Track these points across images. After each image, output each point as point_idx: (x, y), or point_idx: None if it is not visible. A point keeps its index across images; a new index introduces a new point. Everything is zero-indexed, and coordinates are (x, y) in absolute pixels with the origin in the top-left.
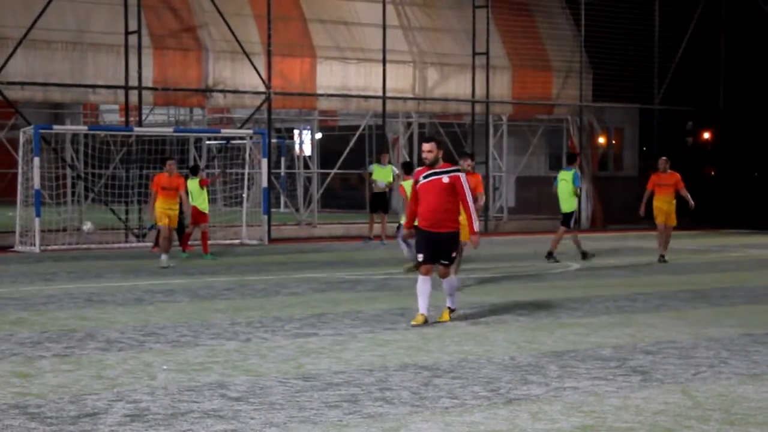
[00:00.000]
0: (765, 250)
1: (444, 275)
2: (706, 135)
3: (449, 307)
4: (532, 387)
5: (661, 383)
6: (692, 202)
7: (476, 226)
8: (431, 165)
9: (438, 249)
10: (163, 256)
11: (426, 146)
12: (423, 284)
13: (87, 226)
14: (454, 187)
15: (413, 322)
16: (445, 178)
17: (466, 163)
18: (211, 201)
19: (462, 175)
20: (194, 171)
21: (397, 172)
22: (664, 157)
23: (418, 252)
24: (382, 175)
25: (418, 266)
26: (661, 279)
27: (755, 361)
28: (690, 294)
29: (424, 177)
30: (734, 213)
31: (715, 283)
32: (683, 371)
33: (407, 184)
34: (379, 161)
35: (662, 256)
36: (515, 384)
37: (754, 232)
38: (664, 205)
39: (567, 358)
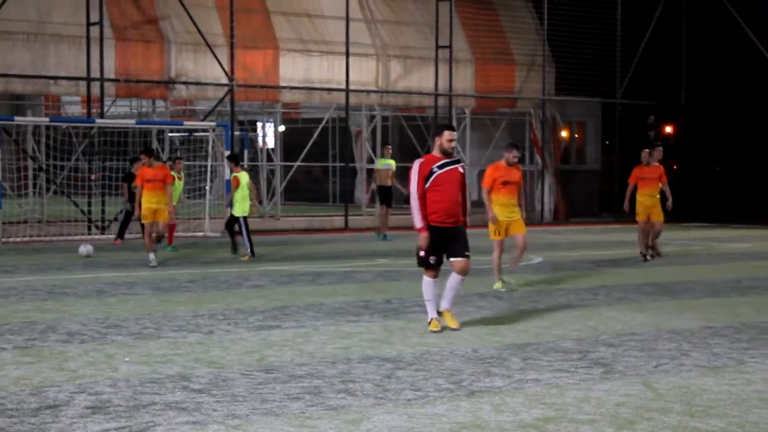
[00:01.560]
0: (726, 243)
1: (465, 270)
2: (668, 129)
3: (448, 310)
4: (494, 379)
5: (623, 375)
6: (670, 199)
7: (469, 220)
8: (450, 154)
9: (458, 243)
10: (151, 255)
11: (451, 134)
12: (434, 287)
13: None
14: (463, 178)
15: (432, 329)
16: (460, 168)
17: (511, 155)
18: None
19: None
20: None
21: (393, 168)
22: (646, 150)
23: (432, 254)
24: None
25: (424, 267)
26: (623, 272)
27: (716, 353)
28: (652, 287)
29: (440, 167)
30: (696, 207)
31: (676, 276)
32: (645, 363)
33: (242, 176)
34: (382, 155)
35: (644, 253)
36: (478, 376)
37: (715, 226)
38: (646, 200)
39: (529, 351)
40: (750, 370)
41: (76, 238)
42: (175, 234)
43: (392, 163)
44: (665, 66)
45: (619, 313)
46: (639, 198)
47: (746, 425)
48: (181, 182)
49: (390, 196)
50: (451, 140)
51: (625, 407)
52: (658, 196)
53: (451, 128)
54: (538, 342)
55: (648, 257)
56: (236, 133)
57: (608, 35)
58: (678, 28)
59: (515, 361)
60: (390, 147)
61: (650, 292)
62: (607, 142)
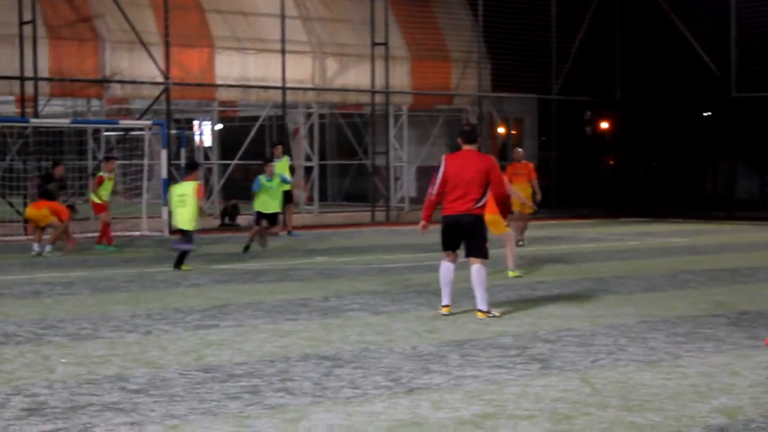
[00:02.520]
0: (662, 238)
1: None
2: (604, 125)
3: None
4: (433, 376)
5: (561, 371)
6: (539, 194)
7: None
8: None
9: None
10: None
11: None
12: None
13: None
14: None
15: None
16: None
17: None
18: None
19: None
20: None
21: (291, 162)
22: (519, 149)
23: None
24: (279, 168)
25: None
26: (560, 267)
27: (653, 347)
28: (589, 282)
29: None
30: (632, 202)
31: (613, 271)
32: (582, 359)
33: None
34: (273, 156)
35: (519, 241)
36: (416, 373)
37: (651, 221)
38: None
39: (468, 347)
40: (686, 364)
41: (12, 238)
42: (112, 233)
43: (284, 165)
44: (600, 62)
45: (557, 308)
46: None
47: (682, 419)
48: (111, 182)
49: (290, 194)
50: None
51: (563, 402)
52: (529, 189)
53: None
54: (476, 338)
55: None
56: (173, 131)
57: (543, 32)
58: (612, 24)
59: (454, 358)
60: (281, 147)
61: (587, 287)
62: (543, 138)
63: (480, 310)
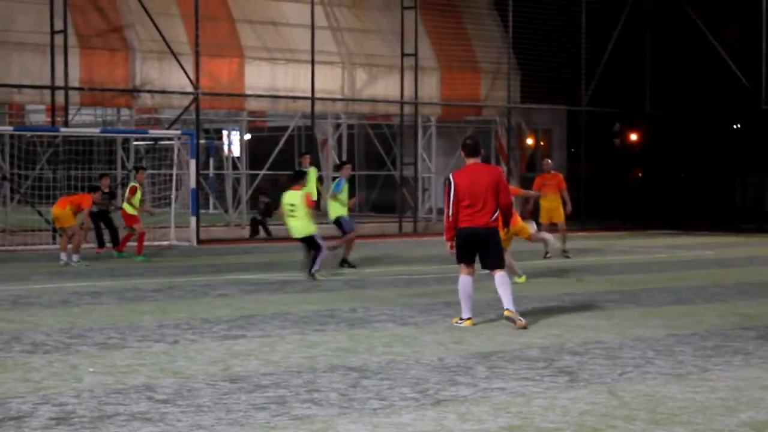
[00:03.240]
0: (690, 251)
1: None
2: (633, 136)
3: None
4: (460, 388)
5: (588, 383)
6: (569, 206)
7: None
8: None
9: None
10: (63, 255)
11: None
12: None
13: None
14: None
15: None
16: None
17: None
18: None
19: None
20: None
21: (320, 173)
22: (548, 159)
23: None
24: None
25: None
26: (587, 279)
27: (680, 361)
28: (616, 294)
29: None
30: (661, 214)
31: (641, 283)
32: (610, 371)
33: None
34: (301, 165)
35: (547, 254)
36: (443, 385)
37: (680, 233)
38: (548, 204)
39: (495, 359)
40: (714, 378)
41: (41, 247)
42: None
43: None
44: (630, 74)
45: (585, 321)
46: (541, 203)
47: None
48: (140, 192)
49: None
50: None
51: (590, 415)
52: (558, 199)
53: None
54: (503, 350)
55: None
56: (202, 141)
57: (573, 43)
58: (642, 35)
59: (481, 370)
60: (309, 157)
61: (615, 299)
62: (572, 150)
63: (509, 309)
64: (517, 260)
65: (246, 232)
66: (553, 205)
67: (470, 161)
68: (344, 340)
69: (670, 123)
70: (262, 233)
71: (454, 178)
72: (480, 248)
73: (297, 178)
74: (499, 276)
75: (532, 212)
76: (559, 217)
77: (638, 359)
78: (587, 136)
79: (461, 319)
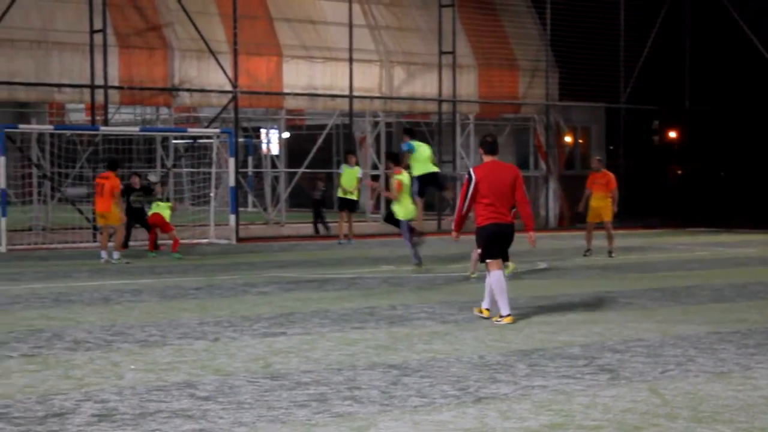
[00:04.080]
0: (731, 248)
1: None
2: (672, 134)
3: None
4: (500, 386)
5: (629, 381)
6: (616, 207)
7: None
8: None
9: None
10: (103, 253)
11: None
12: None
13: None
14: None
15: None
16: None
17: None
18: (179, 200)
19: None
20: (147, 190)
21: (361, 175)
22: (597, 157)
23: None
24: (348, 176)
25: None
26: (628, 277)
27: (722, 358)
28: (657, 292)
29: None
30: (700, 212)
31: (682, 281)
32: (651, 369)
33: (404, 177)
34: (346, 162)
35: (587, 251)
36: (484, 383)
37: (720, 231)
38: (595, 203)
39: (535, 357)
40: (757, 376)
41: (81, 245)
42: (180, 241)
43: (354, 174)
44: (669, 70)
45: (625, 318)
46: (591, 201)
47: (753, 431)
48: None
49: (352, 203)
50: None
51: (631, 413)
52: (608, 198)
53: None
54: (544, 348)
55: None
56: (240, 139)
57: (612, 40)
58: (681, 32)
59: (521, 368)
60: (354, 156)
61: (656, 297)
62: (611, 147)
63: (487, 309)
64: (559, 258)
65: (285, 230)
66: (602, 204)
67: (489, 159)
68: (384, 338)
69: (710, 120)
70: (321, 230)
71: (475, 174)
72: (500, 244)
73: (397, 161)
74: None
75: (584, 211)
76: (607, 216)
77: (680, 357)
78: (626, 133)
79: (501, 316)
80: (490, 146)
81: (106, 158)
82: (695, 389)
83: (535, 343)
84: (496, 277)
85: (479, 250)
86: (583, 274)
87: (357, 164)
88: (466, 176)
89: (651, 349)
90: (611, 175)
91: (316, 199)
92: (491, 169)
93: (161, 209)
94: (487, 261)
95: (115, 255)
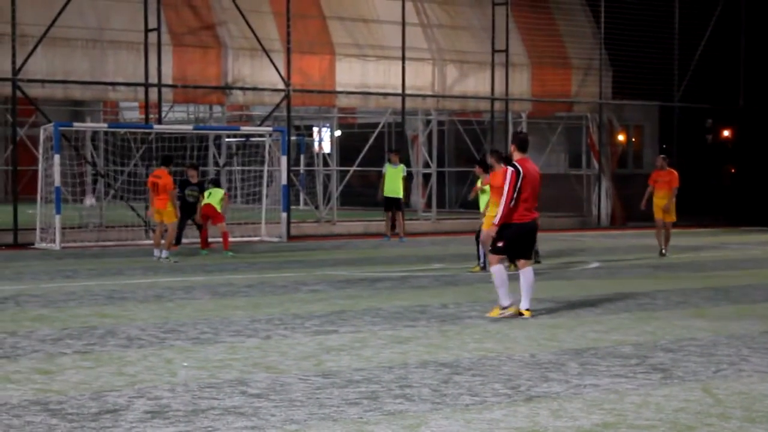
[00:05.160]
0: None
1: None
2: (726, 133)
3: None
4: (552, 384)
5: (682, 381)
6: (672, 205)
7: (496, 219)
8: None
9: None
10: (156, 251)
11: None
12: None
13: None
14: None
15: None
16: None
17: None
18: (232, 198)
19: (509, 169)
20: (217, 183)
21: (405, 173)
22: (662, 155)
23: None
24: (392, 175)
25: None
26: (681, 276)
27: None
28: (710, 291)
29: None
30: (754, 211)
31: (735, 280)
32: (704, 369)
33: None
34: (389, 161)
35: (662, 251)
36: (535, 381)
37: None
38: (660, 202)
39: (587, 356)
40: None
41: (135, 243)
42: (230, 239)
43: (399, 173)
44: (723, 69)
45: (678, 318)
46: (654, 199)
47: None
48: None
49: (398, 201)
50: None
51: (684, 413)
52: (672, 198)
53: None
54: (595, 347)
55: (665, 253)
56: (293, 138)
57: (666, 38)
58: (737, 30)
59: (573, 366)
60: (398, 154)
61: (709, 296)
62: (664, 146)
63: (528, 310)
64: (611, 257)
65: (337, 228)
66: (664, 202)
67: (520, 156)
68: (435, 336)
69: (764, 118)
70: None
71: (522, 169)
72: (526, 241)
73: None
74: (530, 270)
75: (646, 208)
76: (670, 218)
77: (733, 356)
78: (679, 132)
79: (503, 308)
80: (524, 144)
81: (161, 156)
82: (748, 389)
83: (587, 342)
84: (499, 271)
85: (500, 243)
86: (635, 273)
87: (401, 162)
88: (512, 170)
89: (704, 348)
90: (675, 174)
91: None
92: (529, 167)
93: (213, 199)
94: (492, 255)
95: (165, 253)
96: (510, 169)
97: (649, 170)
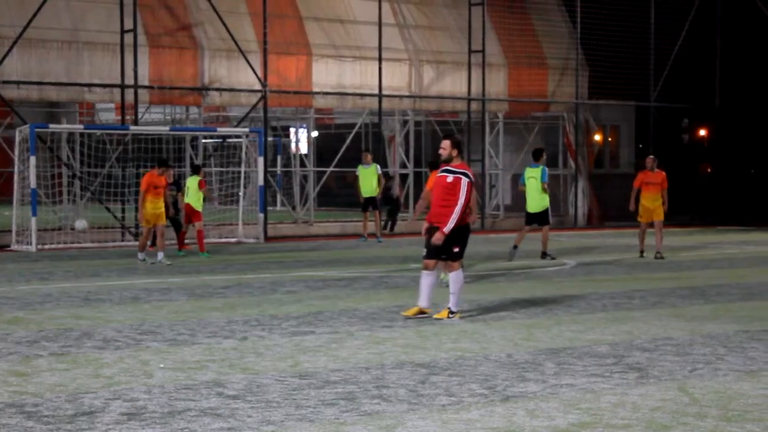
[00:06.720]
0: (761, 246)
1: (448, 270)
2: (702, 132)
3: (449, 308)
4: (528, 384)
5: (658, 380)
6: (666, 206)
7: (447, 228)
8: (446, 162)
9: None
10: (140, 254)
11: (442, 143)
12: (424, 278)
13: (81, 223)
14: (455, 187)
15: (405, 313)
16: (450, 178)
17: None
18: (207, 200)
19: (464, 179)
20: (196, 170)
21: (380, 172)
22: (651, 156)
23: (425, 245)
24: (365, 175)
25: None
26: (657, 276)
27: (752, 357)
28: (686, 291)
29: (440, 172)
30: (730, 210)
31: (711, 280)
32: (680, 368)
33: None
34: (362, 161)
35: (642, 252)
36: (512, 381)
37: (749, 229)
38: (649, 204)
39: (564, 355)
40: None
41: (111, 244)
42: (206, 240)
43: (372, 173)
44: (699, 69)
45: (654, 317)
46: (642, 201)
47: None
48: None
49: (375, 201)
50: (442, 148)
51: (660, 412)
52: (660, 199)
53: (444, 137)
54: (572, 347)
55: (663, 256)
56: (270, 138)
57: (642, 38)
58: (712, 30)
59: (550, 366)
60: (370, 155)
61: (685, 296)
62: (640, 146)
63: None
64: (587, 256)
65: (314, 229)
66: (655, 204)
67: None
68: (412, 337)
69: (740, 118)
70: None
71: (473, 177)
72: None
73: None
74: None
75: (634, 210)
76: (659, 216)
77: (709, 356)
78: (656, 131)
79: (452, 312)
80: (459, 144)
81: (156, 158)
82: (724, 388)
83: (564, 341)
84: (427, 276)
85: (456, 249)
86: (611, 272)
87: (374, 162)
88: (468, 181)
89: (680, 347)
90: (664, 175)
91: (391, 197)
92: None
93: (192, 198)
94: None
95: (160, 255)
96: (465, 180)
97: (626, 170)
